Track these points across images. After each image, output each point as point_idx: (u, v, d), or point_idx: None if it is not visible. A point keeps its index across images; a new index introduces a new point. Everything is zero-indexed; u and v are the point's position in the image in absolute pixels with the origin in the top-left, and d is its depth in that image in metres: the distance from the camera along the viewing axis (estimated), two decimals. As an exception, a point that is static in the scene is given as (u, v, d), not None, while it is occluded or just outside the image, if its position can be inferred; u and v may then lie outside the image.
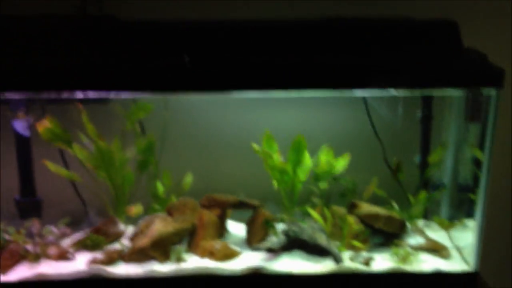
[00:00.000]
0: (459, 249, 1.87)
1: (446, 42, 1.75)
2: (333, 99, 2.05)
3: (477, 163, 1.80)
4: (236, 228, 2.00)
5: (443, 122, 2.03)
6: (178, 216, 1.88)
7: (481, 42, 1.82)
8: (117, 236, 1.91)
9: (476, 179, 1.78)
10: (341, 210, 1.91)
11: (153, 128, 2.04)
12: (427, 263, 1.78)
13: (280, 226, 1.88)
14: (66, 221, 1.96)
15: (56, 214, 1.99)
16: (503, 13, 2.05)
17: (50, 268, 1.75)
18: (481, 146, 1.75)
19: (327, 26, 1.77)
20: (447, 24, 1.77)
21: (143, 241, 1.78)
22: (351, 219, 1.85)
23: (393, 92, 1.70)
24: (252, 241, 1.88)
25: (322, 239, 1.80)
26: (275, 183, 1.98)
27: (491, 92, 1.67)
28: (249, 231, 1.91)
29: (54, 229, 1.91)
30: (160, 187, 2.02)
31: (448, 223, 1.97)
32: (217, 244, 1.80)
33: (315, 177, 1.99)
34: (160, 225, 1.82)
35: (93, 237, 1.86)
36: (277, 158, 1.97)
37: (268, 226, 1.85)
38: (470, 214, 1.82)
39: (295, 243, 1.83)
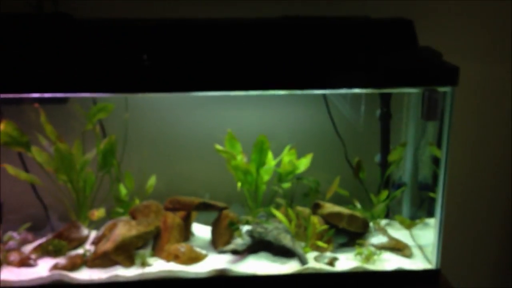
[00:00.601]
0: (421, 248, 1.91)
1: (401, 41, 1.78)
2: (294, 97, 2.05)
3: (436, 161, 1.83)
4: (202, 231, 1.99)
5: (402, 120, 2.06)
6: (142, 219, 1.85)
7: (436, 40, 1.86)
8: (80, 241, 1.88)
9: (435, 178, 1.81)
10: (305, 210, 1.93)
11: (114, 129, 2.01)
12: (390, 262, 1.81)
13: (245, 228, 1.88)
14: (27, 226, 1.92)
15: (17, 219, 1.96)
16: (457, 11, 2.09)
17: (11, 274, 1.71)
18: (439, 144, 1.79)
19: (285, 25, 1.78)
20: (403, 22, 1.80)
21: (106, 246, 1.76)
22: (315, 219, 1.87)
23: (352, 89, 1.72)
24: (217, 244, 1.87)
25: (287, 240, 1.81)
26: (239, 184, 1.98)
27: (446, 89, 1.70)
28: (214, 233, 1.91)
29: (15, 234, 1.87)
30: (123, 190, 1.99)
31: (410, 222, 2.00)
32: (182, 247, 1.79)
33: (279, 177, 2.00)
34: (124, 229, 1.79)
35: (55, 242, 1.82)
36: (241, 158, 1.97)
37: (232, 228, 1.85)
38: (431, 213, 1.86)
39: (260, 245, 1.83)
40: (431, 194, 1.85)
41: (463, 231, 2.31)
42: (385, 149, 2.07)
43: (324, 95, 2.06)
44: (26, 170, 1.97)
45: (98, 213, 1.93)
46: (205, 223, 2.01)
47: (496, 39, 2.12)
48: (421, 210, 2.02)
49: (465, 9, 2.09)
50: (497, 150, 2.24)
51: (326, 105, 2.07)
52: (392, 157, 2.01)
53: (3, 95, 1.60)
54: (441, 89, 1.69)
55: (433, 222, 1.81)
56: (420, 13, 1.98)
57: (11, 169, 1.89)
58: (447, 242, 1.80)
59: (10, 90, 1.58)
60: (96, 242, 1.86)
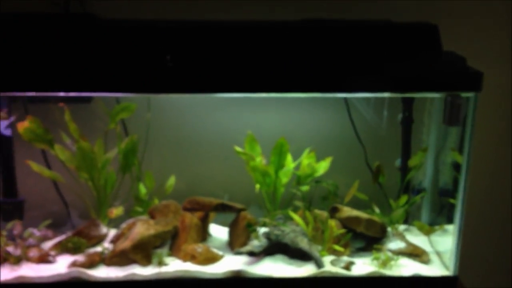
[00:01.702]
0: (439, 254, 1.89)
1: (425, 46, 1.76)
2: (315, 100, 2.05)
3: (457, 167, 1.81)
4: (219, 232, 2.00)
5: (424, 124, 2.04)
6: (160, 219, 1.87)
7: (460, 46, 1.84)
8: (99, 239, 1.90)
9: (456, 183, 1.79)
10: (323, 213, 1.92)
11: (136, 128, 2.04)
12: (407, 268, 1.79)
13: (263, 230, 1.88)
14: (48, 223, 1.95)
15: (38, 216, 1.99)
16: (482, 16, 2.07)
17: (31, 270, 1.74)
18: (460, 150, 1.77)
19: (307, 28, 1.78)
20: (427, 27, 1.78)
21: (124, 244, 1.78)
22: (333, 223, 1.86)
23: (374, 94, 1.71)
24: (234, 245, 1.88)
25: (303, 243, 1.81)
26: (257, 186, 1.98)
27: (470, 95, 1.68)
28: (232, 235, 1.92)
29: (35, 231, 1.91)
30: (143, 189, 2.01)
31: (429, 228, 1.99)
32: (199, 248, 1.80)
33: (297, 180, 2.00)
34: (142, 228, 1.81)
35: (74, 239, 1.85)
36: (260, 160, 1.98)
37: (250, 229, 1.86)
38: (450, 219, 1.84)
39: (277, 247, 1.83)
40: (451, 200, 1.83)
41: (482, 238, 2.28)
42: (406, 154, 2.06)
43: (345, 99, 2.05)
44: (49, 167, 2.00)
45: (116, 211, 1.95)
46: (223, 224, 2.02)
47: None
48: (440, 216, 2.00)
49: (490, 13, 2.06)
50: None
51: (347, 109, 2.06)
52: (412, 162, 2.00)
53: (29, 94, 1.64)
54: (465, 94, 1.68)
55: (452, 228, 1.79)
56: (445, 17, 1.96)
57: (35, 166, 1.93)
58: (466, 249, 1.78)
59: (36, 89, 1.61)
60: (114, 241, 1.88)
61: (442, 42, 1.76)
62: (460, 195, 1.75)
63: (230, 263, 1.79)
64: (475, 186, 2.03)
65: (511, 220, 2.27)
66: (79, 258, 1.77)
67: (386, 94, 1.92)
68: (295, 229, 1.85)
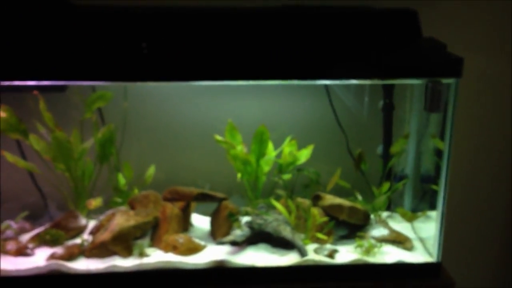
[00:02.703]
0: (422, 240, 1.89)
1: (405, 31, 1.75)
2: (296, 87, 2.03)
3: (438, 153, 1.81)
4: (201, 222, 1.97)
5: (405, 111, 2.03)
6: (140, 210, 1.84)
7: (440, 31, 1.83)
8: (78, 231, 1.87)
9: (438, 170, 1.79)
10: (305, 202, 1.91)
11: (113, 117, 1.99)
12: (390, 255, 1.79)
13: (245, 219, 1.86)
14: (25, 215, 1.91)
15: (15, 208, 1.94)
16: (462, 2, 2.06)
17: (8, 264, 1.69)
18: (442, 136, 1.76)
19: (288, 14, 1.75)
20: (407, 13, 1.77)
21: (104, 236, 1.74)
22: (315, 211, 1.85)
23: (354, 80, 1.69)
24: (216, 235, 1.86)
25: (286, 232, 1.79)
26: (238, 175, 1.96)
27: (450, 81, 1.67)
28: (213, 224, 1.89)
29: (12, 223, 1.86)
30: (122, 180, 1.97)
31: (411, 215, 1.98)
32: (180, 238, 1.77)
33: (279, 168, 1.98)
34: (122, 219, 1.78)
35: (52, 231, 1.81)
36: (241, 149, 1.95)
37: (232, 219, 1.84)
38: (433, 205, 1.83)
39: (259, 236, 1.81)
40: (433, 187, 1.83)
41: (464, 224, 2.29)
42: (387, 141, 2.05)
43: (326, 86, 2.03)
44: (24, 158, 1.95)
45: (95, 202, 1.92)
46: (205, 213, 1.99)
47: (500, 30, 2.09)
48: (423, 202, 2.00)
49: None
50: (500, 143, 2.22)
51: (328, 96, 2.05)
52: (394, 149, 1.99)
53: (1, 82, 1.58)
54: (445, 80, 1.67)
55: (434, 215, 1.79)
56: (425, 3, 1.95)
57: (9, 157, 1.88)
58: (449, 235, 1.78)
59: (8, 77, 1.56)
60: (94, 232, 1.84)
61: (422, 28, 1.75)
62: (442, 181, 1.74)
63: (212, 253, 1.77)
64: (456, 172, 2.03)
65: (493, 206, 2.29)
66: (58, 250, 1.73)
67: (366, 81, 1.90)
68: (278, 218, 1.83)
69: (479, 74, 2.12)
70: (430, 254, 1.81)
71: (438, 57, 1.67)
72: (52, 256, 1.71)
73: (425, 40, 1.75)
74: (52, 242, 1.79)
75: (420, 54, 1.68)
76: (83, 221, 1.90)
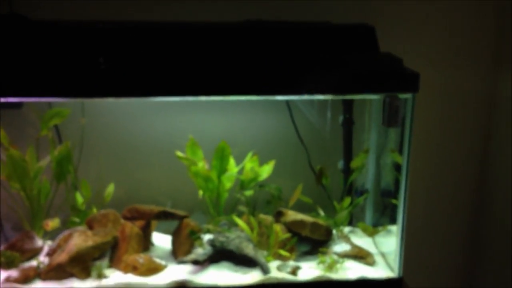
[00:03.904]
0: (383, 255, 1.89)
1: (363, 46, 1.76)
2: (257, 102, 2.02)
3: (398, 167, 1.82)
4: (162, 240, 1.93)
5: (364, 126, 2.05)
6: (99, 229, 1.80)
7: (396, 46, 1.85)
8: (34, 252, 1.81)
9: (397, 184, 1.81)
10: (267, 218, 1.89)
11: (70, 134, 1.94)
12: (352, 270, 1.79)
13: (207, 237, 1.84)
14: (-23, 237, 1.84)
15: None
16: (417, 17, 2.10)
17: (-41, 289, 1.64)
18: (401, 151, 1.78)
19: (247, 29, 1.75)
20: (364, 28, 1.79)
21: (61, 257, 1.69)
22: (278, 228, 1.84)
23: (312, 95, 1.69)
24: (177, 254, 1.82)
25: (249, 249, 1.77)
26: (200, 192, 1.93)
27: (407, 96, 1.69)
28: (175, 243, 1.86)
29: (-37, 246, 1.79)
30: (79, 199, 1.92)
31: (372, 229, 1.99)
32: (140, 258, 1.74)
33: (241, 184, 1.97)
34: (79, 239, 1.73)
35: (7, 253, 1.74)
36: (202, 165, 1.93)
37: (193, 237, 1.81)
38: (394, 220, 1.85)
39: (222, 254, 1.79)
40: (394, 201, 1.84)
41: (426, 238, 2.32)
42: (348, 156, 2.06)
43: (287, 101, 2.03)
44: (-23, 178, 1.89)
45: (52, 223, 1.86)
46: (166, 232, 1.95)
47: (457, 45, 2.13)
48: (384, 217, 2.01)
49: (426, 15, 2.09)
50: (458, 156, 2.25)
51: (289, 111, 2.05)
52: (354, 163, 1.99)
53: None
54: (402, 95, 1.68)
55: (395, 229, 1.80)
56: (381, 19, 1.98)
57: (-39, 176, 1.81)
58: (410, 249, 1.80)
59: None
60: (50, 254, 1.79)
61: (379, 43, 1.77)
62: (401, 195, 1.76)
63: (173, 273, 1.73)
64: (417, 186, 2.05)
65: (454, 219, 2.32)
66: (13, 273, 1.67)
67: (324, 96, 1.91)
68: (240, 235, 1.81)
69: (436, 88, 2.15)
70: (391, 269, 1.81)
71: (395, 73, 1.68)
72: (7, 279, 1.65)
73: (382, 55, 1.77)
74: (6, 265, 1.72)
75: (377, 69, 1.68)
76: (39, 242, 1.84)
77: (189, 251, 1.81)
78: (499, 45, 2.13)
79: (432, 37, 2.12)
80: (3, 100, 1.55)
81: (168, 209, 1.87)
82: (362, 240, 1.98)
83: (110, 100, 1.86)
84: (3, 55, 1.57)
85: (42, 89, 1.53)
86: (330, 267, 1.78)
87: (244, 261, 1.77)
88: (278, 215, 1.91)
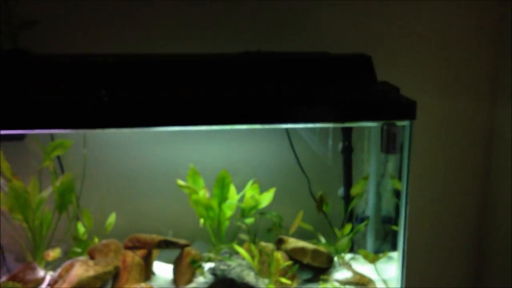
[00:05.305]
0: (385, 282, 1.89)
1: (360, 76, 1.79)
2: (257, 131, 2.04)
3: (397, 194, 1.83)
4: (163, 269, 1.94)
5: (364, 153, 2.06)
6: (100, 259, 1.80)
7: (393, 75, 1.88)
8: (36, 283, 1.81)
9: (398, 210, 1.81)
10: (268, 246, 1.90)
11: (72, 165, 1.96)
12: (354, 297, 1.79)
13: (208, 265, 1.84)
14: (-20, 268, 1.85)
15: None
16: (414, 48, 2.13)
17: (-39, 321, 1.64)
18: (400, 177, 1.79)
19: (246, 60, 1.78)
20: (361, 58, 1.81)
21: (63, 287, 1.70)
22: (279, 255, 1.84)
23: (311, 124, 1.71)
24: (179, 283, 1.82)
25: (250, 277, 1.77)
26: (201, 220, 1.94)
27: (405, 123, 1.71)
28: (176, 272, 1.86)
29: (-34, 277, 1.80)
30: (81, 229, 1.93)
31: (373, 256, 1.99)
32: (142, 288, 1.74)
33: (242, 212, 1.97)
34: (81, 270, 1.73)
35: (9, 284, 1.75)
36: (203, 194, 1.94)
37: (194, 266, 1.81)
38: (394, 246, 1.85)
39: (223, 283, 1.79)
40: (394, 227, 1.85)
41: (427, 264, 2.31)
42: (348, 183, 2.07)
43: (286, 129, 2.05)
44: (-20, 209, 1.90)
45: (53, 253, 1.86)
46: (167, 261, 1.96)
47: (452, 73, 2.16)
48: (385, 243, 2.01)
49: (421, 45, 2.13)
50: (457, 182, 2.26)
51: (288, 139, 2.06)
52: (354, 190, 2.00)
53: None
54: (399, 123, 1.70)
55: (396, 255, 1.80)
56: (378, 49, 2.01)
57: (-37, 208, 1.83)
58: (411, 275, 1.79)
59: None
60: (52, 284, 1.79)
61: (376, 72, 1.80)
62: (401, 221, 1.76)
63: (175, 302, 1.74)
64: (417, 211, 2.06)
65: (455, 245, 2.31)
66: (14, 304, 1.68)
67: (323, 125, 1.93)
68: (241, 263, 1.81)
69: (433, 115, 2.17)
70: (393, 295, 1.81)
71: (392, 101, 1.70)
72: (9, 311, 1.66)
73: (380, 84, 1.80)
74: (8, 296, 1.74)
75: (375, 98, 1.71)
76: (41, 272, 1.84)
77: (190, 280, 1.81)
78: (497, 73, 2.16)
79: (427, 65, 2.15)
80: (6, 132, 1.58)
81: (169, 238, 1.88)
82: (363, 267, 1.97)
83: (112, 131, 1.90)
84: (6, 89, 1.60)
85: (44, 121, 1.56)
86: (332, 294, 1.78)
87: (245, 289, 1.78)
88: (279, 243, 1.91)
